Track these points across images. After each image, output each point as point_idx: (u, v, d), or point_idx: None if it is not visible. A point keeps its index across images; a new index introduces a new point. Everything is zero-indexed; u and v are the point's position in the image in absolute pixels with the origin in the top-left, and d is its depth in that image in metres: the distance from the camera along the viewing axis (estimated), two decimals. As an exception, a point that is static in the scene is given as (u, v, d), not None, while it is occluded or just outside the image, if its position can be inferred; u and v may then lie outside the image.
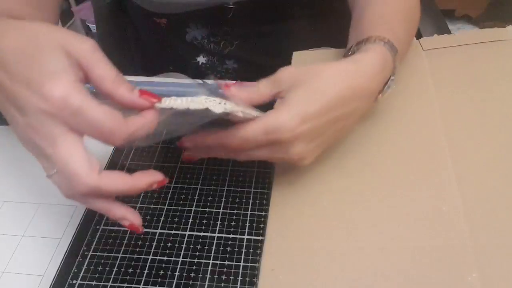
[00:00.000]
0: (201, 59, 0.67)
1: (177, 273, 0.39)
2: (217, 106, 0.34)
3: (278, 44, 0.64)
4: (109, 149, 0.50)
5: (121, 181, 0.33)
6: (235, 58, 0.66)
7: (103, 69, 0.33)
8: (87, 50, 0.32)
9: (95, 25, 0.80)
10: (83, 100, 0.30)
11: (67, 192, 0.34)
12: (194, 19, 0.62)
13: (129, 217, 0.35)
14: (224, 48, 0.65)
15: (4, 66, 0.32)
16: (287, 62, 0.56)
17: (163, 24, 0.64)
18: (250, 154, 0.39)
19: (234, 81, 0.41)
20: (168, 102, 0.34)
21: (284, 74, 0.39)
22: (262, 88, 0.39)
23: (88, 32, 1.76)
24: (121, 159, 0.49)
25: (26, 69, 0.31)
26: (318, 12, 0.65)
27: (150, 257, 0.40)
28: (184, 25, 0.64)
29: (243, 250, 0.40)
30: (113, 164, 0.48)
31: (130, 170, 0.48)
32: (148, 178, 0.35)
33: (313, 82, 0.38)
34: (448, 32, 0.67)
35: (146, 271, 0.39)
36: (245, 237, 0.41)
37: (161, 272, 0.39)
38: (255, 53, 0.66)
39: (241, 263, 0.39)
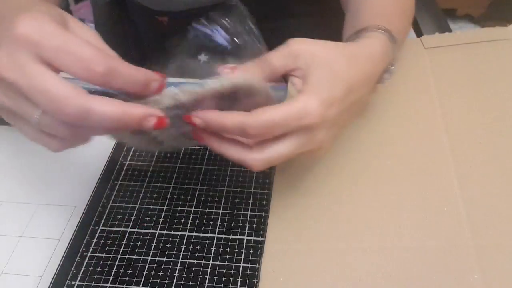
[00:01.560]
0: (203, 57, 0.67)
1: (176, 274, 0.39)
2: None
3: (279, 42, 0.63)
4: (109, 148, 0.49)
5: (112, 104, 0.29)
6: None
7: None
8: (94, 33, 0.32)
9: (93, 24, 0.80)
10: (56, 28, 0.28)
11: (56, 145, 0.30)
12: (196, 17, 0.62)
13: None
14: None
15: None
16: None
17: (165, 22, 0.64)
18: (270, 150, 0.34)
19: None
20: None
21: (300, 48, 0.36)
22: (275, 62, 0.36)
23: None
24: (120, 159, 0.48)
25: (6, 7, 0.30)
26: (320, 10, 0.65)
27: (150, 258, 0.40)
28: (186, 23, 0.63)
29: (243, 251, 0.40)
30: (111, 164, 0.48)
31: (129, 170, 0.48)
32: (142, 110, 0.30)
33: (333, 64, 0.36)
34: (449, 31, 0.67)
35: (145, 272, 0.39)
36: (245, 237, 0.41)
37: (161, 273, 0.39)
38: None
39: (241, 264, 0.39)
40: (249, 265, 0.39)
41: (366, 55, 0.38)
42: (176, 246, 0.41)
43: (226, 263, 0.39)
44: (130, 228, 0.42)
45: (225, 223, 0.42)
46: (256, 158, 0.34)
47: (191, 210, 0.43)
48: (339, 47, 0.37)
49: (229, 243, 0.41)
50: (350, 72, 0.36)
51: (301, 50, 0.36)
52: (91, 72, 0.28)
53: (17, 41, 0.28)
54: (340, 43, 0.39)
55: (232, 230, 0.42)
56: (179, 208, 0.44)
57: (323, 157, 0.43)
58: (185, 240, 0.41)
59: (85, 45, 0.28)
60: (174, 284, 0.38)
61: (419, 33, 0.64)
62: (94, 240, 0.41)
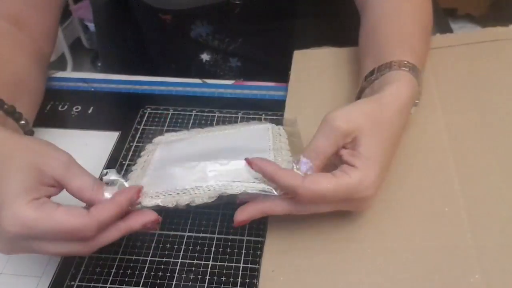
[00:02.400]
0: (205, 57, 0.67)
1: (176, 274, 0.39)
2: (201, 196, 0.36)
3: (282, 42, 0.63)
4: (109, 148, 0.49)
5: (108, 205, 0.33)
6: (238, 56, 0.66)
7: (80, 181, 0.34)
8: (61, 166, 0.34)
9: (93, 24, 0.80)
10: (38, 218, 0.32)
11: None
12: (200, 16, 0.62)
13: (146, 219, 0.35)
14: (228, 45, 0.65)
15: None
16: (291, 60, 0.56)
17: (168, 21, 0.64)
18: (315, 209, 0.36)
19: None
20: (149, 201, 0.37)
21: (347, 127, 0.37)
22: (326, 149, 0.37)
23: (86, 31, 1.76)
24: (120, 159, 0.48)
25: None
26: (323, 11, 0.64)
27: (149, 258, 0.40)
28: (190, 21, 0.63)
29: (243, 251, 0.40)
30: (112, 163, 0.48)
31: (129, 171, 0.47)
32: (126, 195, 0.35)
33: (378, 133, 0.37)
34: (450, 31, 0.67)
35: (145, 272, 0.39)
36: (245, 238, 0.41)
37: (160, 273, 0.39)
38: (259, 51, 0.65)
39: (241, 264, 0.39)
40: (249, 265, 0.39)
41: (402, 109, 0.39)
42: (176, 246, 0.41)
43: (226, 263, 0.39)
44: (130, 228, 0.42)
45: (225, 223, 0.42)
46: (299, 210, 0.37)
47: (190, 210, 0.43)
48: (376, 113, 0.38)
49: (229, 243, 0.41)
50: (392, 135, 0.38)
51: (348, 128, 0.37)
52: (85, 238, 0.33)
53: (7, 237, 0.32)
54: (374, 105, 0.39)
55: (232, 230, 0.42)
56: (179, 208, 0.44)
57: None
58: (185, 240, 0.41)
59: (67, 219, 0.32)
60: (174, 284, 0.38)
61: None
62: (94, 240, 0.41)
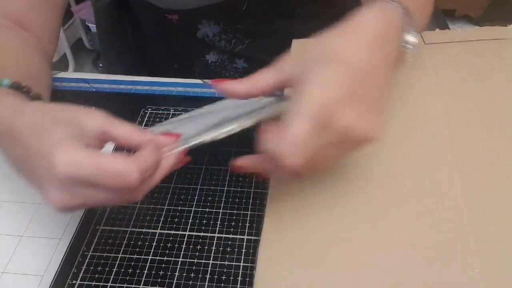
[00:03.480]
0: (211, 57, 0.67)
1: (176, 273, 0.39)
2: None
3: (289, 44, 0.63)
4: (110, 147, 0.50)
5: (151, 153, 0.34)
6: (245, 57, 0.66)
7: (124, 128, 0.34)
8: (99, 120, 0.34)
9: (94, 25, 0.80)
10: (87, 158, 0.31)
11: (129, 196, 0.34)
12: (207, 15, 0.62)
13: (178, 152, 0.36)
14: (235, 46, 0.65)
15: (21, 142, 0.34)
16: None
17: (175, 21, 0.64)
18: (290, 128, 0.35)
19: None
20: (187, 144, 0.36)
21: (285, 61, 0.39)
22: (266, 77, 0.39)
23: (87, 32, 1.76)
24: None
25: (39, 143, 0.33)
26: (326, 13, 0.64)
27: (150, 257, 0.40)
28: (197, 21, 0.63)
29: (243, 250, 0.40)
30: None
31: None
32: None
33: (311, 52, 0.37)
34: (449, 31, 0.67)
35: (146, 271, 0.39)
36: (245, 237, 0.41)
37: (161, 272, 0.39)
38: (266, 53, 0.65)
39: (241, 263, 0.39)
40: (249, 265, 0.39)
41: (354, 26, 0.36)
42: (176, 245, 0.41)
43: (226, 263, 0.39)
44: (131, 227, 0.42)
45: (225, 223, 0.42)
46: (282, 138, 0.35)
47: (191, 210, 0.44)
48: (319, 38, 0.37)
49: (229, 242, 0.41)
50: (319, 47, 0.36)
51: (285, 62, 0.38)
52: (127, 182, 0.32)
53: (61, 180, 0.32)
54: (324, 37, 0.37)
55: (232, 229, 0.42)
56: (179, 208, 0.44)
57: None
58: (185, 239, 0.41)
59: (113, 161, 0.32)
60: (174, 283, 0.38)
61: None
62: (95, 240, 0.42)
